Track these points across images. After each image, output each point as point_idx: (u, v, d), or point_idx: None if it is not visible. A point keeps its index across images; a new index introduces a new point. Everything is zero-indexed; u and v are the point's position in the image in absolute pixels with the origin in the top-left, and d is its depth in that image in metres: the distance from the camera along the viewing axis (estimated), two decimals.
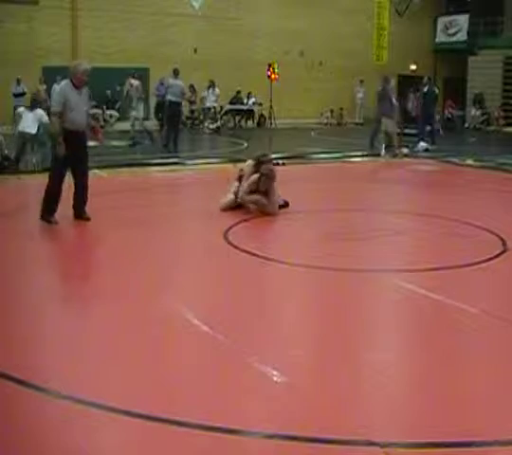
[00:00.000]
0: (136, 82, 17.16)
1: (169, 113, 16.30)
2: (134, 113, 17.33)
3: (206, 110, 23.41)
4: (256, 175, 8.50)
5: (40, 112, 12.20)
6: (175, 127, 16.16)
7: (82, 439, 3.18)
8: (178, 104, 16.15)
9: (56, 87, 7.88)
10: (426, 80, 18.48)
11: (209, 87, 23.00)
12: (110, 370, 3.97)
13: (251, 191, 8.48)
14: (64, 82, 7.76)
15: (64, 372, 3.94)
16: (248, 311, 5.09)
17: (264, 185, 8.44)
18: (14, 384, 3.66)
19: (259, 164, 8.63)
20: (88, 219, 7.77)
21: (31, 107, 12.44)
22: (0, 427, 3.28)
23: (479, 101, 26.39)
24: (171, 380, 3.82)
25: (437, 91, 18.29)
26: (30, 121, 12.15)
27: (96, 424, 3.33)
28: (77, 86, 7.64)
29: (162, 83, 20.21)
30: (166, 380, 3.81)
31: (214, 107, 23.41)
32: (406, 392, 3.79)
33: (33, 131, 12.16)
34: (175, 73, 16.44)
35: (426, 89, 17.96)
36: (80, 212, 7.81)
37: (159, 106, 20.16)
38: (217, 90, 23.06)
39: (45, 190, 7.71)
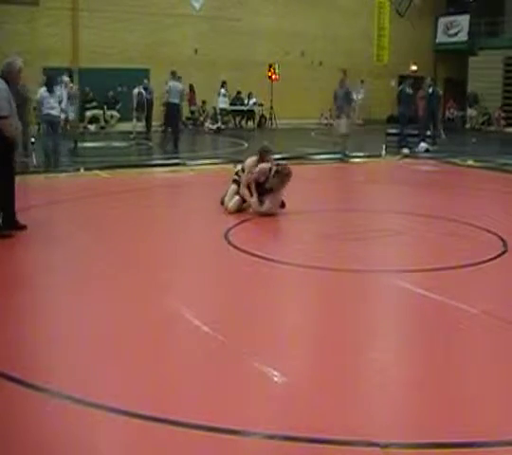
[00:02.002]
0: (66, 80, 16.23)
1: (168, 114, 16.47)
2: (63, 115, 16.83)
3: (223, 112, 23.40)
4: (267, 165, 8.29)
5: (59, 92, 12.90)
6: (175, 128, 16.27)
7: (83, 439, 3.18)
8: (177, 105, 16.30)
9: None
10: (429, 81, 18.46)
11: (222, 87, 23.05)
12: (110, 370, 3.97)
13: (255, 184, 8.33)
14: (1, 82, 7.05)
15: (64, 372, 3.94)
16: (249, 311, 5.09)
17: (273, 182, 8.25)
18: (15, 384, 3.66)
19: (262, 155, 8.50)
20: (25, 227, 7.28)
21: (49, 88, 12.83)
22: (0, 427, 3.28)
23: (474, 101, 26.37)
24: (171, 381, 3.82)
25: (441, 92, 18.26)
26: (53, 103, 12.76)
27: (96, 424, 3.33)
28: (11, 86, 7.19)
29: (146, 88, 20.17)
30: (166, 381, 3.81)
31: (225, 109, 23.50)
32: (406, 393, 3.78)
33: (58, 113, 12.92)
34: (174, 75, 16.52)
35: (430, 90, 17.98)
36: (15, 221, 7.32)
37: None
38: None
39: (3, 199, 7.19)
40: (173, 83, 16.38)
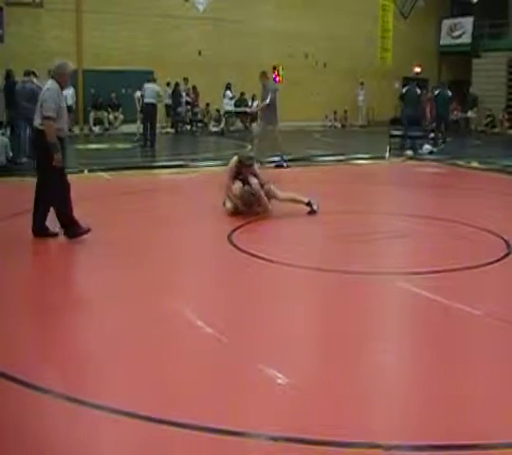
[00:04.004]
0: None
1: (145, 114, 17.37)
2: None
3: (227, 114, 23.46)
4: (238, 187, 8.42)
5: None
6: (152, 126, 17.19)
7: (86, 440, 3.18)
8: (151, 105, 17.13)
9: (48, 88, 6.87)
10: (439, 83, 18.52)
11: (227, 89, 23.11)
12: (113, 371, 3.97)
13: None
14: (51, 83, 6.92)
15: (67, 373, 3.95)
16: (252, 313, 5.09)
17: (248, 200, 8.43)
18: (18, 385, 3.67)
19: (240, 166, 8.53)
20: (56, 235, 7.08)
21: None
22: (4, 428, 3.29)
23: (473, 103, 26.34)
24: (174, 382, 3.82)
25: (450, 94, 18.24)
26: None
27: (99, 425, 3.34)
28: (62, 88, 7.02)
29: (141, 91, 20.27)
30: (169, 382, 3.81)
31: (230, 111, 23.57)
32: (410, 395, 3.78)
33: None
34: (149, 79, 17.70)
35: (436, 92, 18.02)
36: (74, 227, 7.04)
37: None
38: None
39: (59, 207, 6.98)
40: (147, 85, 17.21)
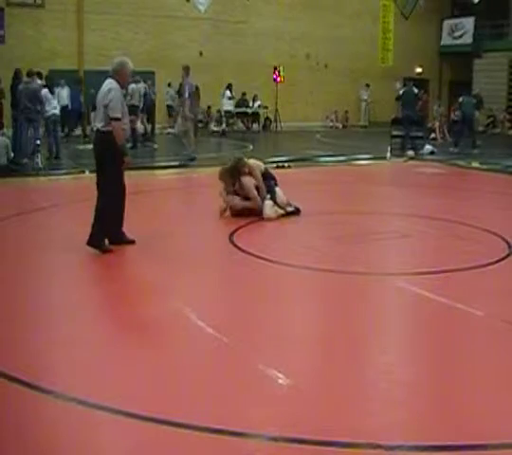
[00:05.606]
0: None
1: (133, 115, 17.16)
2: None
3: (227, 113, 23.47)
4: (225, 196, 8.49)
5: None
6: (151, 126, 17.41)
7: (86, 440, 3.18)
8: (138, 107, 17.09)
9: (111, 88, 6.58)
10: (472, 94, 18.87)
11: (227, 89, 23.12)
12: (114, 371, 3.97)
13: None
14: (111, 83, 6.62)
15: (69, 374, 3.95)
16: (253, 313, 5.09)
17: (241, 190, 8.43)
18: (20, 386, 3.67)
19: (235, 172, 8.44)
20: (133, 242, 6.88)
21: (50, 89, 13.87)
22: (4, 427, 3.29)
23: (479, 101, 26.32)
24: (175, 382, 3.82)
25: (475, 101, 18.34)
26: (55, 103, 13.79)
27: (100, 425, 3.33)
28: (122, 87, 6.78)
29: (146, 93, 20.15)
30: (170, 382, 3.81)
31: (230, 111, 23.57)
32: (411, 395, 3.77)
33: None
34: (133, 78, 17.52)
35: (461, 99, 18.14)
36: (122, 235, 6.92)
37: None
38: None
39: (102, 208, 6.76)
40: (133, 87, 16.88)
